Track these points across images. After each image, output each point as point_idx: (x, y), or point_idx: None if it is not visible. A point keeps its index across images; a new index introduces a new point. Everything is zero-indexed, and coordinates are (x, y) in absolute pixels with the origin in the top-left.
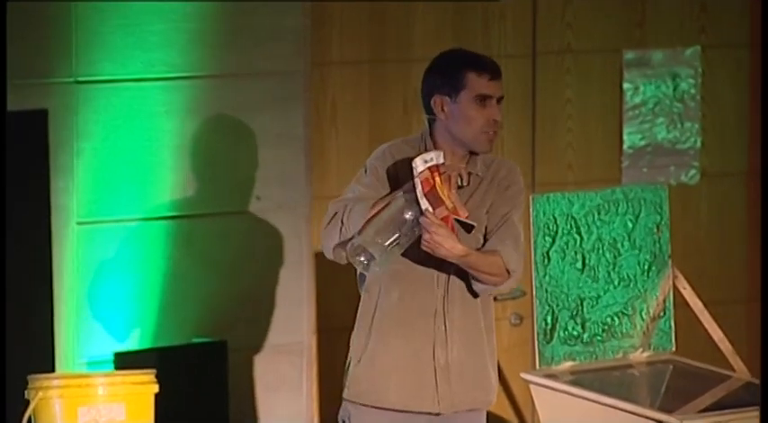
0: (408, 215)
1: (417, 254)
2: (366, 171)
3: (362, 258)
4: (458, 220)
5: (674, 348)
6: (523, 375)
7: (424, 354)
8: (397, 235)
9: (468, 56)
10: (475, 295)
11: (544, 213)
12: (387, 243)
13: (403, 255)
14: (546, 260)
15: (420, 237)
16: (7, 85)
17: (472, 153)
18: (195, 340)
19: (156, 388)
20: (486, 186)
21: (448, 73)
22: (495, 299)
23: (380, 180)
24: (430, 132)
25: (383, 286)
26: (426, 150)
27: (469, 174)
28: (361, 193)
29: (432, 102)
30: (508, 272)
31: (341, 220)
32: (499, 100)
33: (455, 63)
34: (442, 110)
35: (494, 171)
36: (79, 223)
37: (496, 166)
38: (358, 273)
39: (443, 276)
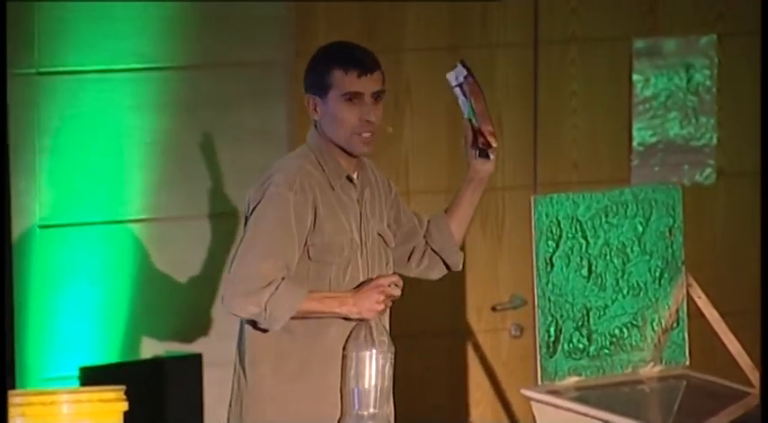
0: (387, 366)
1: (349, 281)
2: (281, 207)
3: None
4: (380, 236)
5: (687, 362)
6: (524, 391)
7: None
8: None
9: (336, 50)
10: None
11: (547, 216)
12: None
13: (339, 286)
14: (549, 267)
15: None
16: (7, 82)
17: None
18: (167, 354)
19: (124, 406)
20: (377, 193)
21: (316, 71)
22: (493, 309)
23: (300, 221)
24: (319, 136)
25: (314, 325)
26: (323, 159)
27: (352, 181)
28: (287, 256)
29: (306, 102)
30: None
31: (264, 306)
32: (377, 96)
33: (322, 60)
34: (315, 111)
35: (372, 173)
36: (41, 227)
37: (369, 164)
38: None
39: None
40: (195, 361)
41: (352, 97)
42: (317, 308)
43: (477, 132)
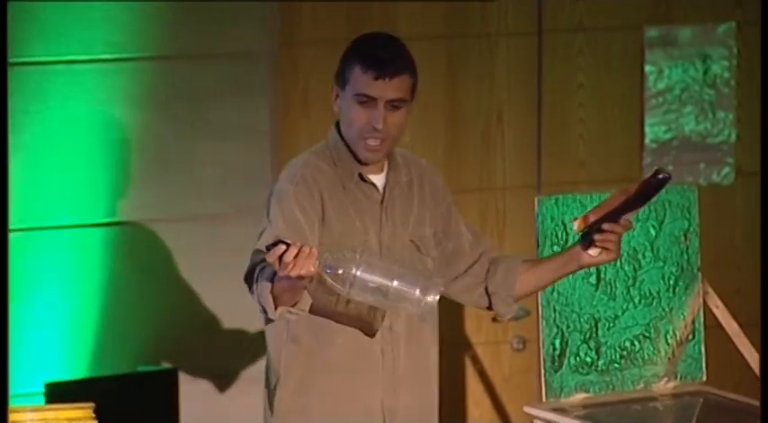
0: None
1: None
2: (282, 199)
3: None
4: (414, 243)
5: (704, 378)
6: (527, 409)
7: (371, 402)
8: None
9: (362, 44)
10: (424, 329)
11: (552, 218)
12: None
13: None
14: None
15: None
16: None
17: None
18: (140, 368)
19: None
20: (418, 195)
21: (342, 62)
22: (494, 319)
23: (305, 211)
24: (337, 131)
25: (323, 332)
26: (338, 156)
27: (366, 181)
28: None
29: (330, 90)
30: None
31: (254, 287)
32: (394, 104)
33: (349, 50)
34: (336, 102)
35: (418, 173)
36: (8, 231)
37: (415, 165)
38: (273, 324)
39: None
40: (170, 376)
41: (365, 100)
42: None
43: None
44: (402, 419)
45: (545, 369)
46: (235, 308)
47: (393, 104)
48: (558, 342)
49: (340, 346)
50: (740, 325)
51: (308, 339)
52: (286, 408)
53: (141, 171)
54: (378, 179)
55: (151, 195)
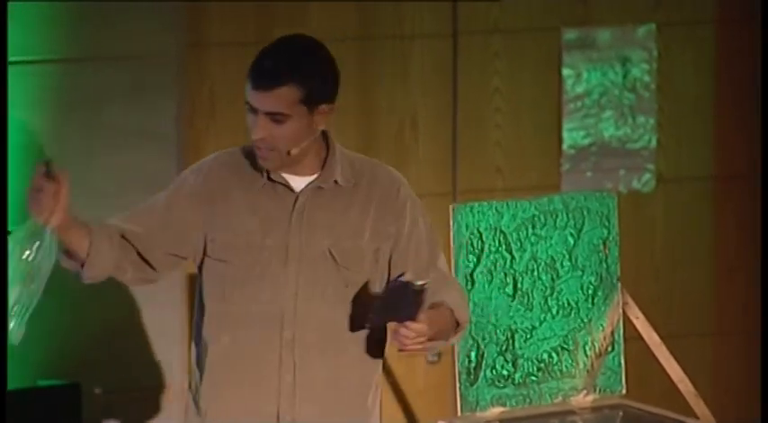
0: None
1: (255, 288)
2: (174, 183)
3: None
4: (330, 253)
5: (624, 390)
6: None
7: (266, 409)
8: None
9: (261, 51)
10: (348, 344)
11: (467, 227)
12: None
13: (236, 289)
14: (469, 284)
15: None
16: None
17: (328, 156)
18: (41, 383)
19: None
20: (361, 203)
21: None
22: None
23: (189, 199)
24: None
25: (212, 329)
26: (250, 156)
27: (335, 182)
28: (143, 214)
29: None
30: (458, 324)
31: None
32: (275, 117)
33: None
34: None
35: (371, 181)
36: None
37: (374, 173)
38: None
39: (289, 316)
40: (74, 391)
41: (248, 108)
42: None
43: None
44: None
45: (460, 382)
46: (141, 319)
47: (274, 117)
48: (473, 354)
49: (228, 346)
50: (661, 336)
51: (206, 332)
52: (191, 410)
53: None
54: (298, 181)
55: None
